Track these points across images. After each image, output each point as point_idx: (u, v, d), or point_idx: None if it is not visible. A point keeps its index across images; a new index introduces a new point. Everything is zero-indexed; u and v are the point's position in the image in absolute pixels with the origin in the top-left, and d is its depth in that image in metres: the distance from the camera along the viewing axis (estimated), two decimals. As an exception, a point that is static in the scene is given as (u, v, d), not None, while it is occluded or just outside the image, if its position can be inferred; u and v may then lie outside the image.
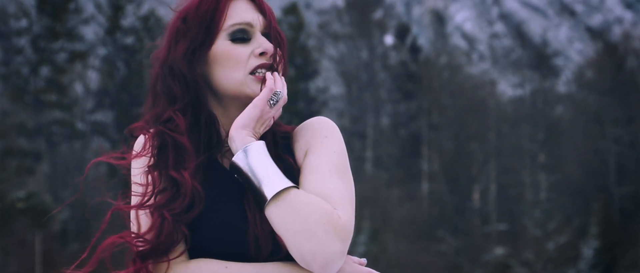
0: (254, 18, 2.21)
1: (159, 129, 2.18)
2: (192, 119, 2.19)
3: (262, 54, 2.20)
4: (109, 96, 41.70)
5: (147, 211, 2.14)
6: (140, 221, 2.15)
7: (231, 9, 2.19)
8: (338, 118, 47.39)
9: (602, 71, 49.45)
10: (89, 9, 44.43)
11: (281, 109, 2.20)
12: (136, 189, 2.19)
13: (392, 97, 50.77)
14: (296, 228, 2.04)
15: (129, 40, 42.20)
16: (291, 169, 2.18)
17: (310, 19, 59.10)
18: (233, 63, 2.18)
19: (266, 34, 2.23)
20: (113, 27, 41.94)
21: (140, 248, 2.12)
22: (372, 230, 36.83)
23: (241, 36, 2.19)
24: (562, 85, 57.48)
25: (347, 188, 2.15)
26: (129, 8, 42.55)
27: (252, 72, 2.19)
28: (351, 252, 2.17)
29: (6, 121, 37.95)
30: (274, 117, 2.18)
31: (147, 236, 2.12)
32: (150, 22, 41.53)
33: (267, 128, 2.18)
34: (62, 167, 40.56)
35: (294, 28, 44.02)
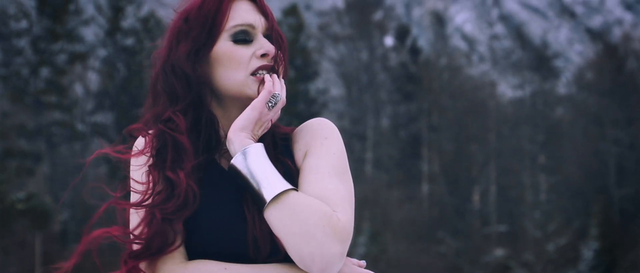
0: (256, 19, 2.21)
1: (160, 129, 2.18)
2: (193, 119, 2.19)
3: (263, 55, 2.20)
4: (109, 97, 41.71)
5: (141, 210, 2.15)
6: (132, 219, 2.16)
7: (233, 10, 2.20)
8: (338, 120, 47.41)
9: (602, 72, 49.47)
10: (89, 10, 44.44)
11: (280, 112, 2.20)
12: (133, 187, 2.20)
13: (392, 98, 50.77)
14: (295, 230, 2.04)
15: (129, 41, 42.21)
16: (290, 171, 2.18)
17: (310, 20, 59.13)
18: (235, 64, 2.18)
19: (268, 35, 2.23)
20: (113, 29, 41.95)
21: (132, 247, 2.13)
22: (372, 231, 36.82)
23: (243, 37, 2.20)
24: (562, 86, 57.49)
25: (346, 190, 2.15)
26: (129, 9, 42.56)
27: (254, 73, 2.19)
28: (351, 253, 2.17)
29: (6, 122, 37.95)
30: (272, 119, 2.18)
31: (135, 233, 2.13)
32: (150, 24, 41.54)
33: (266, 130, 2.18)
34: (62, 168, 40.57)
35: (294, 29, 44.03)
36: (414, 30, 57.50)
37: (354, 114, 49.87)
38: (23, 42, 40.28)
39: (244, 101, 2.19)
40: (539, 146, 49.98)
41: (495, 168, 49.27)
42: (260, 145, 2.13)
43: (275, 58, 2.21)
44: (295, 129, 2.28)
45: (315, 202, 2.07)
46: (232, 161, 2.12)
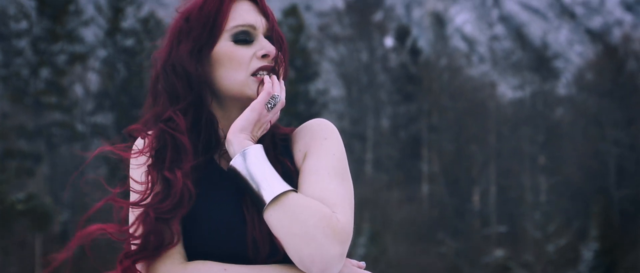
0: (257, 20, 2.21)
1: (160, 128, 2.19)
2: (193, 119, 2.19)
3: (264, 56, 2.20)
4: (109, 98, 41.71)
5: (138, 209, 2.15)
6: (131, 219, 2.17)
7: (234, 11, 2.20)
8: (338, 120, 47.41)
9: (602, 73, 49.48)
10: (89, 11, 44.45)
11: (279, 113, 2.20)
12: (132, 187, 2.20)
13: (392, 99, 50.77)
14: (295, 231, 2.04)
15: (129, 42, 42.21)
16: (289, 172, 2.18)
17: (311, 21, 59.13)
18: (235, 64, 2.18)
19: (268, 36, 2.23)
20: (113, 29, 41.96)
21: (129, 247, 2.13)
22: (372, 232, 36.82)
23: (244, 38, 2.20)
24: (562, 87, 57.50)
25: (346, 191, 2.15)
26: (129, 10, 42.57)
27: (254, 74, 2.19)
28: (351, 253, 2.17)
29: (6, 123, 37.95)
30: (271, 121, 2.18)
31: (130, 231, 2.13)
32: (150, 24, 41.55)
33: (264, 132, 2.18)
34: (62, 169, 40.56)
35: (294, 30, 44.03)
36: (414, 31, 57.51)
37: (354, 114, 49.88)
38: (23, 43, 40.28)
39: (244, 102, 2.19)
40: (539, 147, 49.99)
41: (495, 169, 49.28)
42: (260, 146, 2.13)
43: (275, 59, 2.21)
44: (294, 129, 2.28)
45: (315, 203, 2.07)
46: (231, 162, 2.12)
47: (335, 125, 2.27)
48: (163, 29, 2.30)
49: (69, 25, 40.42)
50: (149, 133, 2.22)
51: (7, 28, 40.28)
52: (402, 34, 52.25)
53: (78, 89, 43.27)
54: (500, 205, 48.42)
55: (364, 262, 2.24)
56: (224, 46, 2.19)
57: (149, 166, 2.18)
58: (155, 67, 2.25)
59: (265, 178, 2.09)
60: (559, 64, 61.86)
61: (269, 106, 2.16)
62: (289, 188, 2.09)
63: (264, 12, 2.24)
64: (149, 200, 2.15)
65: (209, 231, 2.13)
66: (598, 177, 46.87)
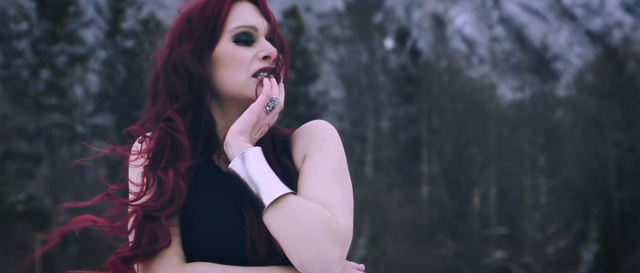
0: (259, 22, 2.21)
1: (160, 128, 2.19)
2: (192, 119, 2.20)
3: (265, 57, 2.20)
4: (109, 99, 41.72)
5: (131, 209, 2.16)
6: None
7: (236, 12, 2.20)
8: (338, 122, 47.41)
9: (602, 75, 49.49)
10: (89, 12, 44.46)
11: (277, 116, 2.20)
12: (130, 188, 2.21)
13: (392, 100, 50.78)
14: (295, 234, 2.04)
15: (129, 43, 42.23)
16: (289, 173, 2.18)
17: (311, 22, 59.12)
18: (236, 65, 2.18)
19: (270, 38, 2.24)
20: (113, 31, 41.97)
21: (123, 248, 2.14)
22: (371, 234, 36.82)
23: (245, 38, 2.20)
24: (562, 89, 57.50)
25: (345, 193, 2.15)
26: (129, 11, 42.58)
27: (255, 75, 2.19)
28: (351, 255, 2.17)
29: (6, 124, 37.95)
30: (269, 123, 2.18)
31: (120, 227, 2.14)
32: (150, 26, 41.55)
33: (263, 134, 2.18)
34: (62, 170, 40.55)
35: (294, 31, 44.04)
36: (414, 33, 57.53)
37: (354, 116, 49.88)
38: (23, 44, 40.29)
39: (244, 103, 2.19)
40: (539, 149, 49.98)
41: (495, 171, 49.27)
42: (258, 149, 2.13)
43: (276, 61, 2.21)
44: (294, 131, 2.28)
45: (315, 206, 2.07)
46: (230, 165, 2.12)
47: (335, 127, 2.26)
48: (163, 31, 2.30)
49: (69, 26, 40.43)
50: (148, 134, 2.22)
51: (7, 29, 40.29)
52: (402, 36, 52.27)
53: (78, 91, 43.28)
54: (500, 206, 48.42)
55: (363, 265, 2.24)
56: (225, 46, 2.19)
57: (145, 167, 2.18)
58: (156, 67, 2.25)
59: (264, 181, 2.09)
60: (559, 65, 61.87)
61: (268, 108, 2.16)
62: (289, 190, 2.09)
63: (266, 14, 2.24)
64: (142, 199, 2.15)
65: (207, 232, 2.13)
66: (598, 179, 46.86)
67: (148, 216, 2.13)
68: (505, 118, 51.55)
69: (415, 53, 51.89)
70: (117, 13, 42.16)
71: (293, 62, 42.94)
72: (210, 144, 2.22)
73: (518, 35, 66.76)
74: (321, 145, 2.20)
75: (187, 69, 2.18)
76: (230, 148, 2.14)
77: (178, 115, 2.18)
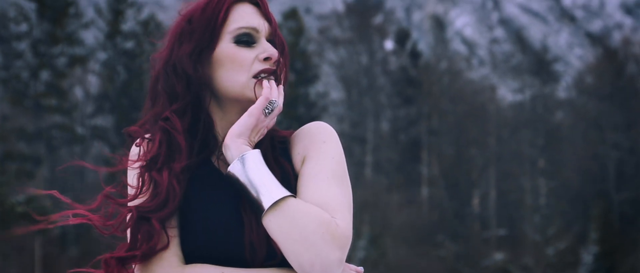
0: (260, 23, 2.22)
1: (159, 128, 2.19)
2: (191, 119, 2.20)
3: (266, 59, 2.20)
4: (109, 100, 41.71)
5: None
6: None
7: (237, 13, 2.20)
8: (338, 123, 47.41)
9: (602, 76, 49.50)
10: (89, 13, 44.46)
11: (275, 118, 2.20)
12: (128, 190, 2.21)
13: (392, 102, 50.78)
14: (294, 237, 2.04)
15: (129, 44, 42.22)
16: (288, 175, 2.18)
17: (311, 23, 59.15)
18: (237, 66, 2.18)
19: (271, 40, 2.24)
20: (113, 32, 41.96)
21: (120, 249, 2.14)
22: (371, 235, 36.82)
23: (246, 39, 2.20)
24: (562, 90, 57.52)
25: (345, 195, 2.15)
26: (129, 12, 42.57)
27: (256, 76, 2.19)
28: (351, 257, 2.17)
29: (6, 126, 37.95)
30: (268, 126, 2.18)
31: (113, 225, 2.15)
32: (150, 27, 41.54)
33: (261, 137, 2.18)
34: (62, 171, 40.49)
35: (294, 33, 44.04)
36: (414, 34, 57.54)
37: (353, 117, 49.88)
38: (23, 45, 40.27)
39: (244, 104, 2.19)
40: (539, 150, 49.99)
41: (495, 172, 49.28)
42: (257, 151, 2.13)
43: (277, 62, 2.22)
44: (293, 133, 2.28)
45: (314, 209, 2.07)
46: (229, 168, 2.12)
47: (335, 128, 2.26)
48: (163, 32, 2.30)
49: (69, 27, 40.42)
50: (147, 136, 2.23)
51: (7, 31, 40.27)
52: (402, 37, 52.27)
53: (78, 92, 43.27)
54: (500, 208, 48.42)
55: (362, 268, 2.24)
56: (226, 47, 2.19)
57: (141, 167, 2.18)
58: (156, 68, 2.25)
59: (263, 184, 2.09)
60: (559, 67, 61.90)
61: (267, 111, 2.16)
62: (288, 193, 2.09)
63: (267, 16, 2.24)
64: (138, 200, 2.16)
65: (206, 233, 2.13)
66: (598, 180, 46.88)
67: (144, 218, 2.13)
68: (505, 120, 51.56)
69: (415, 55, 51.89)
70: (117, 14, 42.16)
71: (293, 63, 42.93)
72: (209, 145, 2.21)
73: (518, 36, 66.78)
74: (321, 147, 2.20)
75: (187, 70, 2.19)
76: (229, 151, 2.14)
77: (176, 115, 2.19)
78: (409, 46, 51.88)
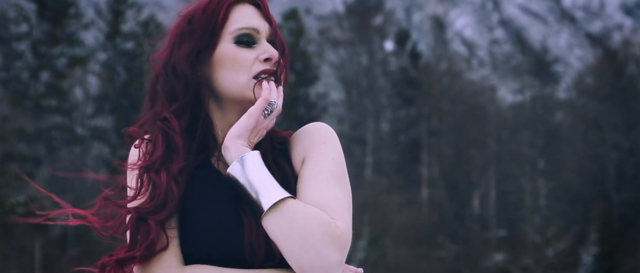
0: (261, 25, 2.22)
1: (157, 127, 2.20)
2: (189, 120, 2.20)
3: (267, 60, 2.20)
4: (109, 101, 41.72)
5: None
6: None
7: (238, 14, 2.21)
8: (338, 124, 47.40)
9: (602, 77, 49.51)
10: (89, 14, 44.47)
11: (275, 119, 2.20)
12: (128, 192, 2.22)
13: (392, 103, 50.78)
14: (294, 238, 2.04)
15: (129, 45, 42.23)
16: (288, 176, 2.18)
17: (311, 24, 59.17)
18: (238, 66, 2.18)
19: (271, 41, 2.24)
20: (113, 33, 41.97)
21: (119, 251, 2.14)
22: (371, 236, 36.81)
23: (246, 40, 2.20)
24: (562, 91, 57.53)
25: (344, 196, 2.15)
26: (129, 13, 42.59)
27: (256, 77, 2.19)
28: (351, 257, 2.17)
29: (6, 126, 37.96)
30: (267, 127, 2.17)
31: (113, 227, 2.15)
32: (150, 28, 41.55)
33: (260, 138, 2.18)
34: (62, 172, 40.47)
35: (294, 34, 44.05)
36: (414, 35, 57.54)
37: (353, 118, 49.88)
38: (23, 46, 40.30)
39: (244, 104, 2.19)
40: (539, 151, 49.99)
41: (495, 173, 49.28)
42: (257, 153, 2.13)
43: (277, 63, 2.22)
44: (293, 133, 2.28)
45: (314, 210, 2.07)
46: (228, 170, 2.12)
47: (335, 129, 2.26)
48: (163, 32, 2.30)
49: (69, 28, 40.44)
50: (146, 137, 2.23)
51: (8, 31, 40.30)
52: (402, 38, 52.27)
53: (78, 93, 43.28)
54: (500, 209, 48.42)
55: (361, 269, 2.24)
56: (227, 47, 2.19)
57: (140, 169, 2.18)
58: (155, 69, 2.25)
59: (263, 185, 2.09)
60: (558, 68, 61.90)
61: (266, 112, 2.16)
62: (288, 194, 2.09)
63: (267, 17, 2.24)
64: (137, 201, 2.16)
65: (205, 233, 2.14)
66: (598, 181, 46.88)
67: (143, 219, 2.13)
68: (505, 121, 51.56)
69: (415, 55, 51.89)
70: (117, 15, 42.17)
71: (293, 64, 42.94)
72: (208, 146, 2.22)
73: (518, 37, 66.80)
74: (320, 148, 2.20)
75: (186, 70, 2.19)
76: (228, 152, 2.14)
77: (175, 116, 2.19)
78: (409, 46, 51.89)
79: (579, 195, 46.56)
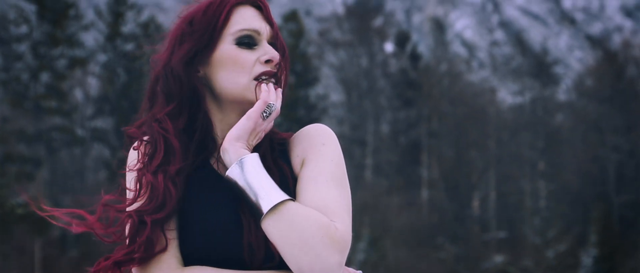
0: (262, 26, 2.22)
1: (154, 129, 2.20)
2: (188, 121, 2.20)
3: (268, 61, 2.20)
4: (109, 102, 41.71)
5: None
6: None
7: (239, 15, 2.21)
8: (338, 125, 47.41)
9: (602, 79, 49.50)
10: (89, 15, 44.47)
11: (273, 121, 2.20)
12: (127, 194, 2.22)
13: (392, 104, 50.79)
14: (294, 241, 2.04)
15: (129, 46, 42.21)
16: (287, 178, 2.18)
17: (311, 26, 59.18)
18: (238, 67, 2.18)
19: (272, 43, 2.24)
20: (113, 34, 41.96)
21: (118, 252, 2.14)
22: (371, 237, 36.80)
23: (247, 41, 2.20)
24: (562, 93, 57.53)
25: (344, 198, 2.15)
26: (129, 15, 42.57)
27: (257, 78, 2.19)
28: (351, 259, 2.18)
29: (6, 127, 37.94)
30: (265, 129, 2.18)
31: (116, 233, 2.15)
32: (150, 29, 41.54)
33: (259, 140, 2.18)
34: (61, 173, 40.53)
35: (294, 35, 44.04)
36: (414, 37, 57.55)
37: (353, 120, 49.88)
38: (23, 47, 40.27)
39: (244, 105, 2.19)
40: (539, 153, 49.99)
41: (495, 175, 49.28)
42: (256, 155, 2.13)
43: (278, 65, 2.22)
44: (292, 135, 2.28)
45: (313, 212, 2.07)
46: (228, 172, 2.12)
47: (335, 130, 2.27)
48: (163, 34, 2.31)
49: (69, 29, 40.42)
50: (145, 138, 2.23)
51: (7, 32, 40.28)
52: (402, 40, 52.28)
53: (78, 94, 43.28)
54: (500, 210, 48.42)
55: (361, 271, 2.24)
56: (227, 48, 2.19)
57: (138, 171, 2.19)
58: (155, 70, 2.26)
59: (262, 187, 2.09)
60: (558, 70, 61.90)
61: (265, 115, 2.16)
62: (287, 197, 2.09)
63: (268, 19, 2.24)
64: (136, 204, 2.16)
65: (204, 234, 2.14)
66: (598, 183, 46.87)
67: (142, 221, 2.13)
68: (505, 122, 51.56)
69: (415, 57, 51.90)
70: (117, 16, 42.15)
71: (293, 65, 42.93)
72: (207, 147, 2.22)
73: (518, 39, 66.80)
74: (320, 149, 2.20)
75: (186, 72, 2.19)
76: (227, 155, 2.14)
77: (170, 117, 2.19)
78: (409, 48, 51.89)
79: (579, 196, 46.56)
